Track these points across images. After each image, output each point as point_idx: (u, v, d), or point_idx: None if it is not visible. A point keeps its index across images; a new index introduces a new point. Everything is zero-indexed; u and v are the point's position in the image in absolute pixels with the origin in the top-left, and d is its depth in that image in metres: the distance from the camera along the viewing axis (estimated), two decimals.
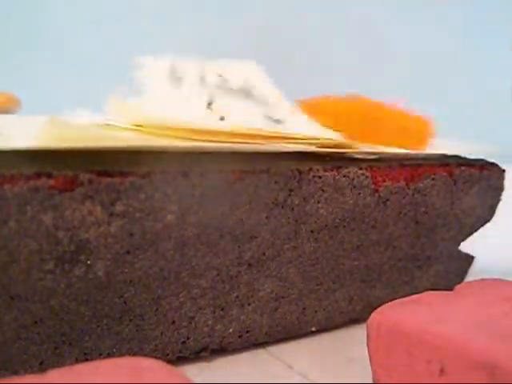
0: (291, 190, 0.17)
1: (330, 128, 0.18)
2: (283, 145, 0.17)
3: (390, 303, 0.15)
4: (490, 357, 0.12)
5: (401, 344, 0.14)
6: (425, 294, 0.16)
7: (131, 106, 0.19)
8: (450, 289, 0.17)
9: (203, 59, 0.23)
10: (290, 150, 0.17)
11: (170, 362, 0.16)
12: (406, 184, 0.19)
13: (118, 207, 0.14)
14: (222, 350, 0.18)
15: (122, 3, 0.55)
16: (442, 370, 0.13)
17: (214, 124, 0.17)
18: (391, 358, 0.14)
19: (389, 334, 0.14)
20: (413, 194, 0.19)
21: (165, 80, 0.21)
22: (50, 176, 0.13)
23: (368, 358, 0.15)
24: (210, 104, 0.21)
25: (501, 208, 0.22)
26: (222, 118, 0.21)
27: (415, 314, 0.14)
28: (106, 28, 0.55)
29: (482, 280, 0.17)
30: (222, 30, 0.58)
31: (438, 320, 0.14)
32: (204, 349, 0.17)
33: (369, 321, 0.15)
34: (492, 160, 0.22)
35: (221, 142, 0.17)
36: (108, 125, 0.19)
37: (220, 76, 0.22)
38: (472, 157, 0.21)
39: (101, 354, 0.16)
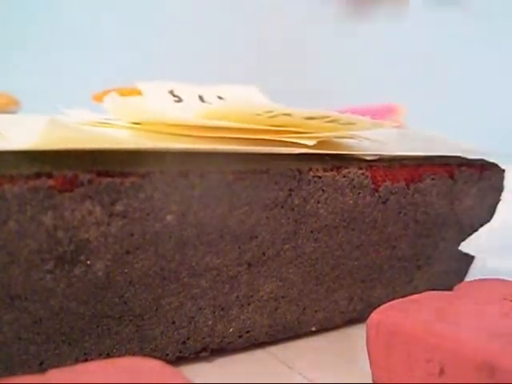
0: (291, 190, 0.17)
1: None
2: (283, 148, 0.17)
3: (389, 303, 0.15)
4: (490, 357, 0.12)
5: (400, 344, 0.14)
6: (425, 294, 0.16)
7: (130, 104, 0.19)
8: (450, 289, 0.17)
9: (203, 85, 0.23)
10: (290, 152, 0.17)
11: (169, 362, 0.16)
12: (406, 184, 0.19)
13: (118, 207, 0.14)
14: (222, 350, 0.18)
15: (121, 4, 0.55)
16: (441, 370, 0.13)
17: (211, 121, 0.17)
18: (390, 357, 0.14)
19: (388, 334, 0.14)
20: (413, 194, 0.19)
21: (164, 96, 0.21)
22: (49, 176, 0.13)
23: (367, 356, 0.15)
24: (202, 97, 0.22)
25: (501, 208, 0.22)
26: (219, 97, 0.22)
27: (415, 313, 0.14)
28: (106, 28, 0.55)
29: (482, 280, 0.17)
30: (221, 56, 0.58)
31: (437, 320, 0.14)
32: (204, 349, 0.17)
33: (368, 321, 0.15)
34: (492, 160, 0.22)
35: (220, 138, 0.17)
36: (107, 123, 0.19)
37: (220, 98, 0.22)
38: (472, 157, 0.21)
39: (101, 354, 0.16)
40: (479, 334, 0.13)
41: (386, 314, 0.15)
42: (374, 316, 0.15)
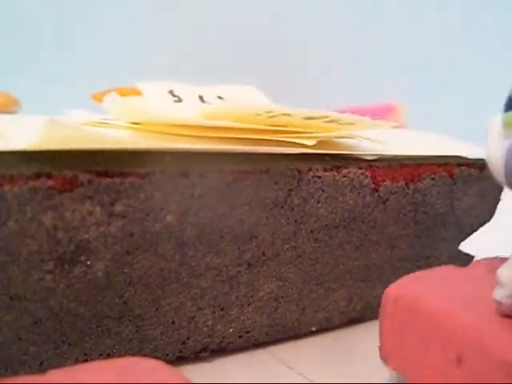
0: (291, 190, 0.17)
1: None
2: (283, 148, 0.17)
3: (407, 276, 0.15)
4: (510, 356, 0.11)
5: (418, 323, 0.13)
6: (441, 268, 0.15)
7: (129, 105, 0.19)
8: (465, 264, 0.16)
9: (203, 85, 0.23)
10: (290, 152, 0.17)
11: (169, 362, 0.16)
12: (406, 184, 0.19)
13: (118, 207, 0.14)
14: (221, 350, 0.18)
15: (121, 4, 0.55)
16: (459, 360, 0.12)
17: (211, 121, 0.17)
18: (405, 336, 0.13)
19: (406, 311, 0.13)
20: (413, 194, 0.19)
21: (164, 96, 0.21)
22: (49, 176, 0.13)
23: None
24: (202, 97, 0.22)
25: (501, 208, 0.22)
26: (219, 97, 0.22)
27: (434, 292, 0.14)
28: (106, 28, 0.55)
29: (499, 258, 0.16)
30: (219, 55, 0.58)
31: (457, 302, 0.13)
32: (204, 349, 0.17)
33: (385, 294, 0.14)
34: None
35: (220, 138, 0.17)
36: (106, 123, 0.19)
37: (220, 98, 0.22)
38: (472, 157, 0.21)
39: (101, 355, 0.16)
40: (499, 327, 0.12)
41: (405, 289, 0.14)
42: (393, 289, 0.14)
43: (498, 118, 0.14)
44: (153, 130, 0.17)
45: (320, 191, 0.17)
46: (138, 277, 0.15)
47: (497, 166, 0.13)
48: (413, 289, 0.14)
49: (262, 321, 0.18)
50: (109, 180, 0.14)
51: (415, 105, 0.49)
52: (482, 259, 0.16)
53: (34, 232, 0.13)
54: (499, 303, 0.13)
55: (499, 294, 0.13)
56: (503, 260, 0.13)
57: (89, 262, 0.14)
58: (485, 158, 0.13)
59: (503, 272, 0.13)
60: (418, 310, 0.13)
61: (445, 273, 0.15)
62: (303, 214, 0.17)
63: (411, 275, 0.15)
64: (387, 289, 0.14)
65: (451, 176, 0.20)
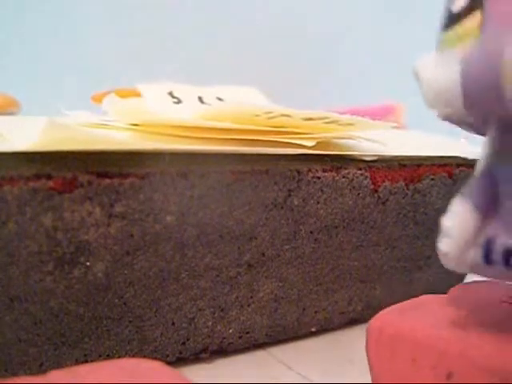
0: (290, 191, 0.17)
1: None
2: (282, 148, 0.17)
3: (388, 309, 0.15)
4: (500, 363, 0.11)
5: (404, 350, 0.14)
6: (422, 298, 0.16)
7: (129, 106, 0.19)
8: (446, 292, 0.16)
9: (202, 86, 0.23)
10: (290, 152, 0.17)
11: (169, 363, 0.16)
12: (406, 184, 0.19)
13: (118, 208, 0.14)
14: (221, 350, 0.18)
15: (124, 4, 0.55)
16: (448, 377, 0.12)
17: (211, 122, 0.17)
18: (394, 364, 0.14)
19: (391, 341, 0.14)
20: (412, 195, 0.19)
21: (164, 98, 0.21)
22: (49, 177, 0.13)
23: (367, 358, 0.15)
24: (201, 98, 0.22)
25: None
26: (219, 98, 0.22)
27: (417, 319, 0.14)
28: (107, 29, 0.55)
29: (476, 283, 0.17)
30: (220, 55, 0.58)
31: (441, 325, 0.13)
32: (204, 350, 0.17)
33: (368, 328, 0.15)
34: None
35: (219, 139, 0.17)
36: (106, 125, 0.19)
37: (219, 99, 0.22)
38: (471, 157, 0.21)
39: (100, 356, 0.16)
40: (485, 339, 0.12)
41: (387, 321, 0.14)
42: (375, 322, 0.15)
43: (427, 56, 0.12)
44: (152, 131, 0.17)
45: (319, 192, 0.17)
46: (137, 277, 0.15)
47: (448, 92, 0.11)
48: (396, 317, 0.14)
49: (261, 321, 0.18)
50: (108, 181, 0.14)
51: (415, 105, 0.49)
52: (459, 285, 0.17)
53: (33, 233, 0.13)
54: (445, 254, 0.12)
55: (445, 245, 0.12)
56: (480, 284, 0.13)
57: (88, 263, 0.14)
58: (424, 96, 0.11)
59: (448, 221, 0.12)
60: (404, 336, 0.14)
61: (424, 302, 0.15)
62: (303, 214, 0.17)
63: (392, 307, 0.15)
64: (371, 321, 0.15)
65: (451, 176, 0.20)
